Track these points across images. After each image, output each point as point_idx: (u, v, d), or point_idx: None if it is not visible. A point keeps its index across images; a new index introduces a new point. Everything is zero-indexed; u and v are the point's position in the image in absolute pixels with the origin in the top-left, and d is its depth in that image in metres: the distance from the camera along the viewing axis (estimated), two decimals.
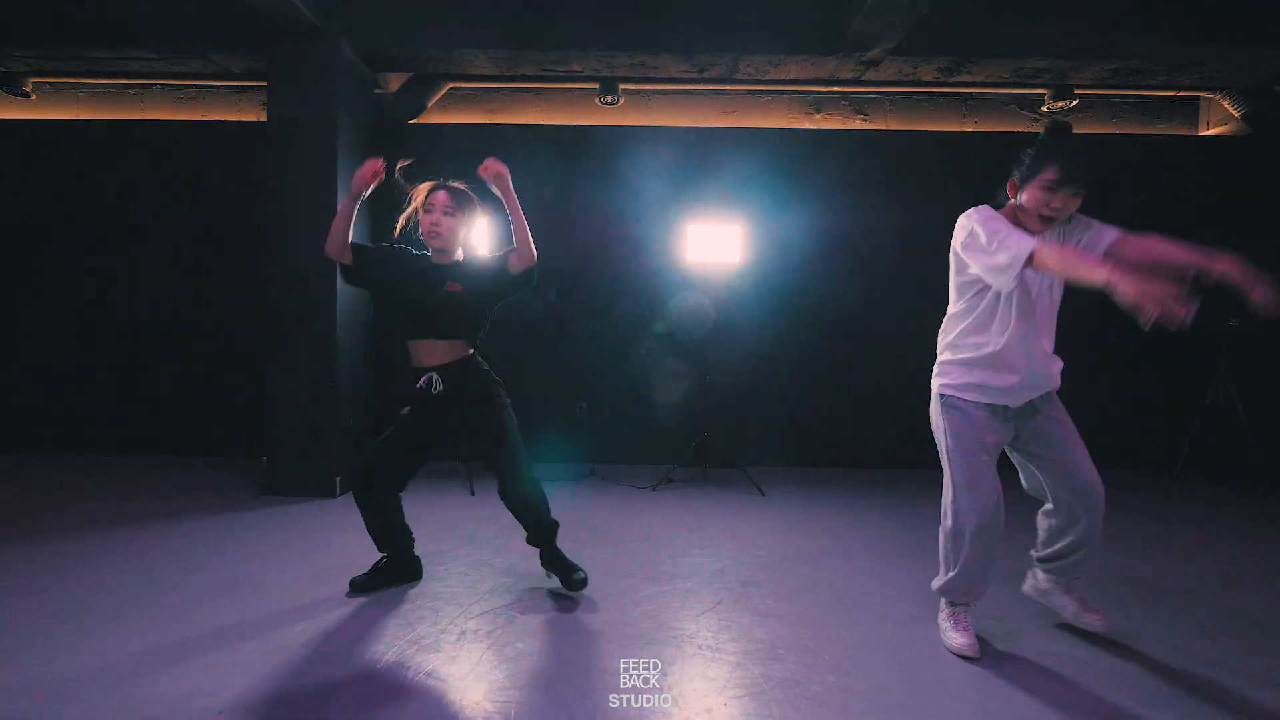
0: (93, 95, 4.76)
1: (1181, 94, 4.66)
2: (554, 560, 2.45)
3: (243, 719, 1.60)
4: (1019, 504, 2.12)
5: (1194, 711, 1.70)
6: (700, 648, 2.00)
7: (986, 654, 1.98)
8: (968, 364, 1.95)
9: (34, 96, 4.56)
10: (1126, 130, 4.76)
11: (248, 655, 1.91)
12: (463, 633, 2.08)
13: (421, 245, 2.34)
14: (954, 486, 1.96)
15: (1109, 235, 1.87)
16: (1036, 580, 2.21)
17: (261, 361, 3.78)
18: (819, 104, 4.80)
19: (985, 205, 1.91)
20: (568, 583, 2.39)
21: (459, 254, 2.35)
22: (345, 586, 2.39)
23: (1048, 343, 1.94)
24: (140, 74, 4.44)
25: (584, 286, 4.60)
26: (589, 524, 3.24)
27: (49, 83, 4.66)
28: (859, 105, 4.80)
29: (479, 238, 3.91)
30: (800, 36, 3.83)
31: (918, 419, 4.64)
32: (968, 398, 1.96)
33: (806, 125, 4.81)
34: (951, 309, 2.03)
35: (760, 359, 4.64)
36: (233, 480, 4.02)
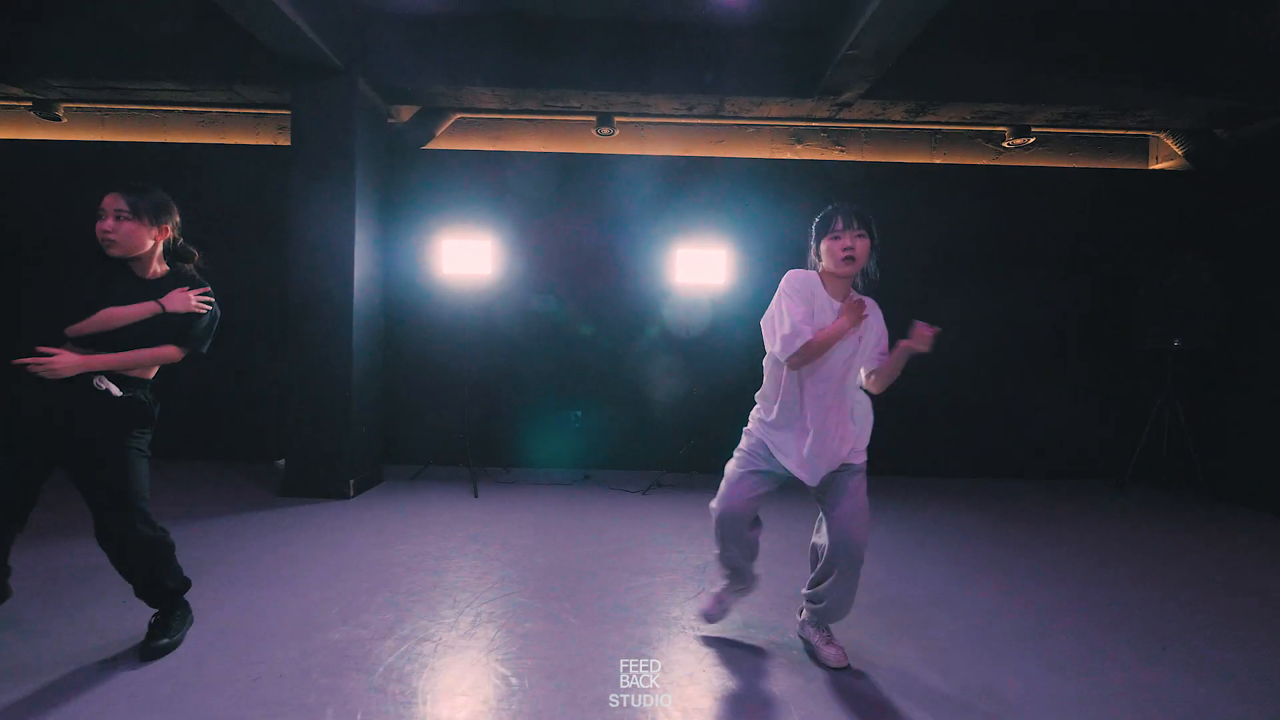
0: (119, 118, 5.05)
1: (1131, 132, 5.08)
2: (158, 621, 2.13)
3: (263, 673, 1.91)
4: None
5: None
6: (684, 628, 2.32)
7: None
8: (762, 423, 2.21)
9: (65, 120, 4.85)
10: (1082, 164, 5.16)
11: (281, 624, 2.21)
12: (477, 615, 2.39)
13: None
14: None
15: (883, 341, 2.13)
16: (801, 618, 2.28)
17: (281, 371, 4.07)
18: (800, 136, 5.18)
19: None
20: (143, 647, 2.07)
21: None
22: (369, 579, 2.69)
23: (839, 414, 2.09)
24: (168, 102, 4.74)
25: (578, 300, 4.93)
26: (584, 526, 3.56)
27: (78, 107, 4.95)
28: (837, 137, 5.18)
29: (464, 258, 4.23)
30: (780, 81, 4.20)
31: (897, 428, 4.99)
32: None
33: (789, 155, 5.18)
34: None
35: (744, 371, 4.97)
36: (251, 483, 4.30)
